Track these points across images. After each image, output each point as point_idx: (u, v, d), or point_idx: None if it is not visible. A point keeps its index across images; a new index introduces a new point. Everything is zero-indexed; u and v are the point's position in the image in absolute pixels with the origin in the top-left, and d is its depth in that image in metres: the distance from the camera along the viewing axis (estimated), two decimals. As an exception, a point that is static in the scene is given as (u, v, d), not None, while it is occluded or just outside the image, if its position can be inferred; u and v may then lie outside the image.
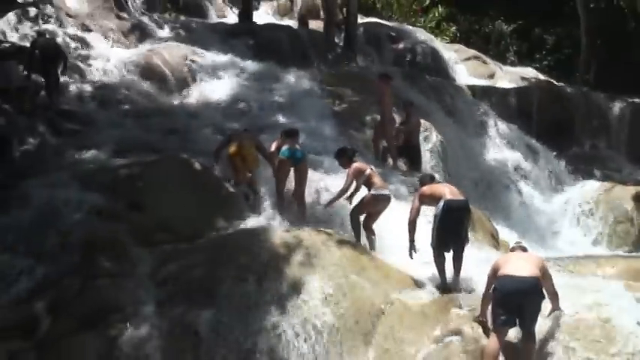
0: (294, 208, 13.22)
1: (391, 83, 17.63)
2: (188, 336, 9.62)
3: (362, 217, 12.35)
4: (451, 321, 9.63)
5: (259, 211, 13.02)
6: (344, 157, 12.79)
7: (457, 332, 9.43)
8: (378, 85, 17.47)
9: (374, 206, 12.31)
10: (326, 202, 13.09)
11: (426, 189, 11.24)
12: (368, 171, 12.35)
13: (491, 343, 8.95)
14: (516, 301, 8.88)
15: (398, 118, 17.70)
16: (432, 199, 11.03)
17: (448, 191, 10.91)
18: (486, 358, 8.86)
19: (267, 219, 12.69)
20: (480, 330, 9.37)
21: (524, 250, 9.75)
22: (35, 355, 9.52)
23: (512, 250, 9.85)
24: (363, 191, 12.46)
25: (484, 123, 22.53)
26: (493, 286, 9.11)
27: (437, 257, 10.81)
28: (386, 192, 12.38)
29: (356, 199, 12.52)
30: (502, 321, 8.88)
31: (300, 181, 13.25)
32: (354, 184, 12.35)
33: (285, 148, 13.28)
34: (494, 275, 9.19)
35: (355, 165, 12.48)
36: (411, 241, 11.14)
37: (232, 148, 13.55)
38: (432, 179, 11.92)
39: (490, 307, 9.19)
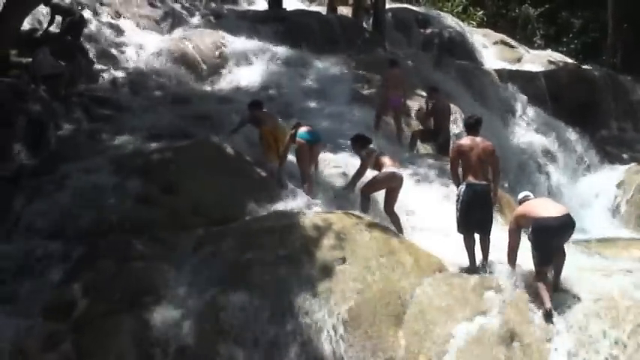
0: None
1: (397, 68, 17.99)
2: (220, 319, 9.70)
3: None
4: (481, 303, 9.75)
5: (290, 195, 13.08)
6: (357, 144, 12.97)
7: (487, 314, 9.56)
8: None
9: (385, 183, 12.50)
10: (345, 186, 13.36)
11: (464, 145, 11.04)
12: (374, 155, 12.65)
13: (541, 283, 9.52)
14: (556, 238, 9.67)
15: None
16: (463, 164, 11.01)
17: (473, 171, 10.81)
18: (542, 295, 9.38)
19: (297, 202, 12.71)
20: (510, 312, 9.50)
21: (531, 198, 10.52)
22: (71, 336, 9.58)
23: (522, 202, 10.45)
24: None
25: (512, 107, 22.61)
26: (530, 230, 9.70)
27: (466, 240, 10.87)
28: (394, 171, 12.53)
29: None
30: (547, 260, 9.62)
31: (312, 158, 13.45)
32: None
33: (303, 130, 13.45)
34: (521, 224, 9.97)
35: (366, 149, 12.76)
36: (456, 183, 11.22)
37: (267, 127, 13.89)
38: (476, 124, 11.49)
39: (532, 252, 9.69)
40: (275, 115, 14.63)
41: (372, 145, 13.02)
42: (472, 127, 11.42)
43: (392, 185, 12.47)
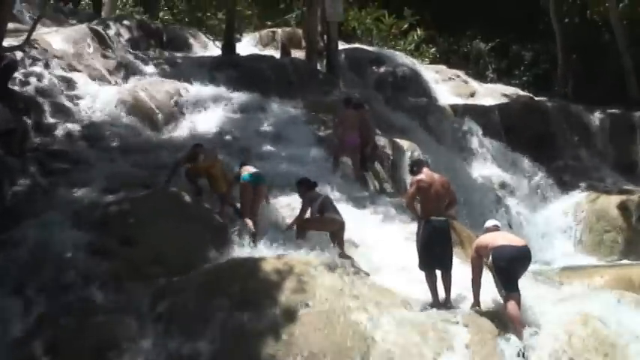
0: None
1: (351, 108, 17.82)
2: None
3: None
4: (446, 339, 9.70)
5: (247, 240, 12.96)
6: (302, 187, 13.30)
7: (453, 350, 9.53)
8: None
9: (323, 225, 12.95)
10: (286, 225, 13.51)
11: (424, 180, 11.10)
12: (320, 199, 13.01)
13: (512, 308, 9.59)
14: (517, 266, 9.81)
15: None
16: (422, 199, 11.09)
17: (432, 207, 10.95)
18: (515, 322, 9.53)
19: (256, 246, 12.62)
20: (476, 346, 9.51)
21: (498, 228, 10.66)
22: (34, 396, 9.46)
23: (488, 230, 10.59)
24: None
25: (467, 141, 22.86)
26: (491, 258, 9.83)
27: (428, 277, 10.89)
28: (335, 216, 12.92)
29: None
30: (513, 286, 9.69)
31: (256, 200, 13.61)
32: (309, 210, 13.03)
33: (246, 172, 13.64)
34: (482, 253, 10.12)
35: (310, 193, 13.13)
36: (414, 214, 11.45)
37: (201, 164, 14.26)
38: (426, 163, 11.95)
39: (495, 281, 9.91)
40: (215, 153, 14.92)
41: (317, 190, 13.34)
42: (423, 164, 11.76)
43: (332, 229, 12.83)
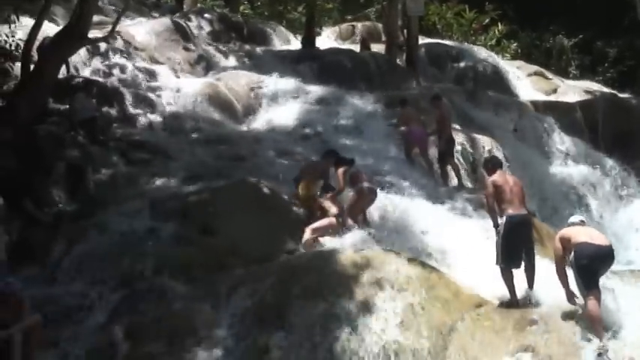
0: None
1: (407, 106, 18.20)
2: (261, 358, 9.74)
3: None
4: (524, 337, 9.57)
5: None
6: (331, 158, 13.67)
7: (530, 348, 9.38)
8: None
9: (363, 199, 13.05)
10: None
11: (499, 180, 10.97)
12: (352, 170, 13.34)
13: (593, 307, 9.30)
14: (598, 265, 9.52)
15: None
16: (499, 198, 10.90)
17: (510, 203, 10.74)
18: (595, 322, 9.26)
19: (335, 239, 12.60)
20: (555, 346, 9.35)
21: (584, 224, 10.33)
22: (114, 379, 9.61)
23: (573, 224, 10.27)
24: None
25: (548, 138, 22.43)
26: (572, 255, 9.55)
27: (505, 275, 10.71)
28: (370, 185, 13.27)
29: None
30: (594, 285, 9.40)
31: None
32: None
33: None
34: (565, 246, 9.77)
35: (343, 168, 13.30)
36: (494, 219, 11.08)
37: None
38: (500, 163, 11.96)
39: (575, 279, 9.58)
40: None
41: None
42: (498, 164, 11.62)
43: (368, 199, 13.16)
